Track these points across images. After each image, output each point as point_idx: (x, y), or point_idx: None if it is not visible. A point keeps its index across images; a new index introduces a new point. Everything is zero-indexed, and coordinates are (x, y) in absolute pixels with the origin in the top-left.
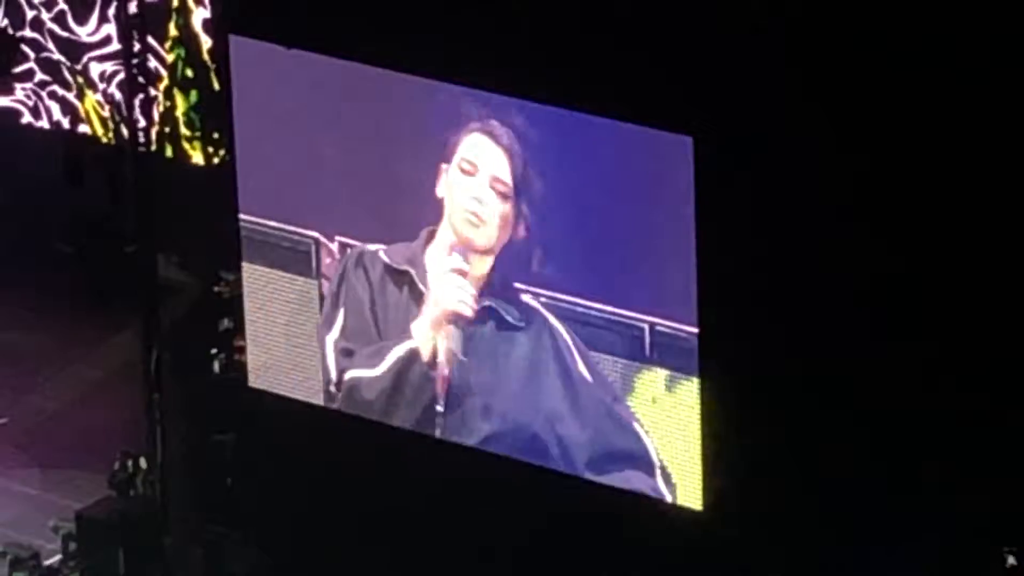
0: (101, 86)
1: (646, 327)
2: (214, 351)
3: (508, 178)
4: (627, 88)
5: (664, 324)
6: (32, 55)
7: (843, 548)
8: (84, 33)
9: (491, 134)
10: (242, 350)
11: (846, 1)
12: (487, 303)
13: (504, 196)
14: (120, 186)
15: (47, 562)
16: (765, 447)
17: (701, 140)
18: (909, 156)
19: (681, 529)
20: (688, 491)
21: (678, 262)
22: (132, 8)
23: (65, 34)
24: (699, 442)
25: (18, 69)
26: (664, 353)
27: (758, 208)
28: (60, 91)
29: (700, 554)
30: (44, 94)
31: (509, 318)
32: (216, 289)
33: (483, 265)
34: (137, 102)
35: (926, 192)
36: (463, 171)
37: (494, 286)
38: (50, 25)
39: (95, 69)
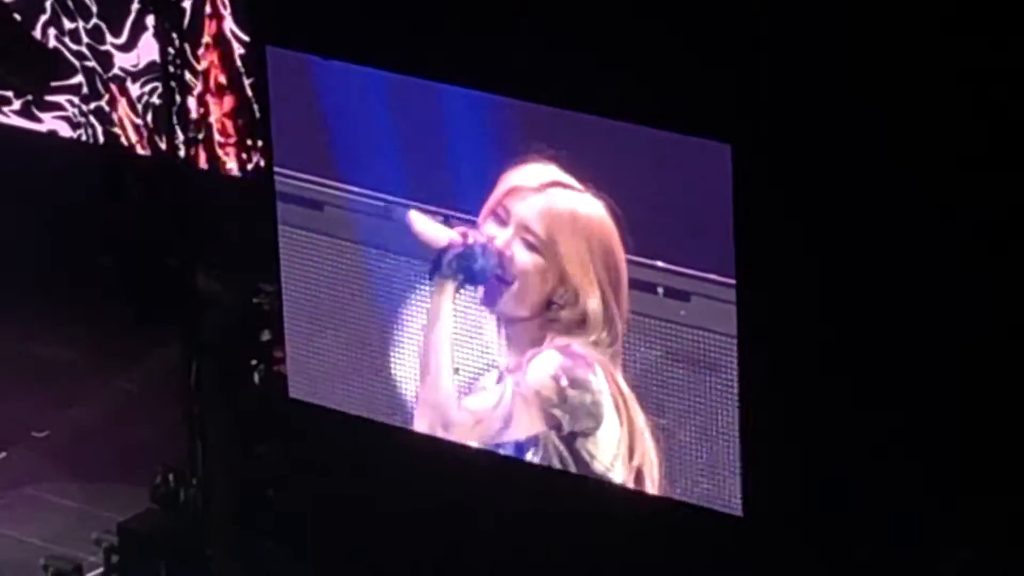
0: (136, 94)
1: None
2: (254, 363)
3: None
4: (664, 96)
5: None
6: (79, 65)
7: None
8: (117, 41)
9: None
10: (281, 361)
11: (884, 9)
12: None
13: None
14: (159, 198)
15: (89, 575)
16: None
17: (740, 148)
18: (954, 161)
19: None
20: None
21: (718, 272)
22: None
23: (100, 45)
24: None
25: (65, 82)
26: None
27: (798, 216)
28: (96, 103)
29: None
30: (81, 106)
31: None
32: (255, 300)
33: None
34: (174, 111)
35: (976, 195)
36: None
37: None
38: (83, 35)
39: (129, 78)
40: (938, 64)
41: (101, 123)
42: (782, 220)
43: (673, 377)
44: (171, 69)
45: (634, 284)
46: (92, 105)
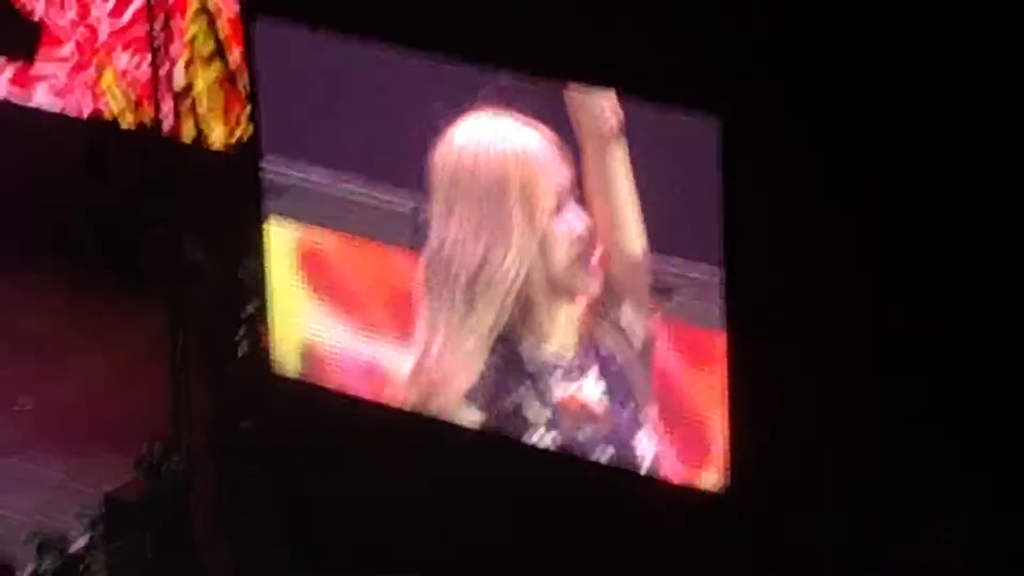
0: (122, 61)
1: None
2: (239, 335)
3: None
4: (653, 70)
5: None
6: (66, 37)
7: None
8: (104, 10)
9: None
10: (266, 335)
11: None
12: None
13: None
14: (143, 170)
15: (74, 547)
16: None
17: (728, 122)
18: (943, 139)
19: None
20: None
21: (705, 244)
22: None
23: (87, 16)
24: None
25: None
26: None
27: (785, 191)
28: (82, 73)
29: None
30: (66, 77)
31: None
32: (240, 274)
33: None
34: (161, 79)
35: (965, 175)
36: None
37: None
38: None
39: (114, 46)
40: (938, 42)
41: (85, 95)
42: (771, 200)
43: None
44: (155, 38)
45: None
46: (78, 76)
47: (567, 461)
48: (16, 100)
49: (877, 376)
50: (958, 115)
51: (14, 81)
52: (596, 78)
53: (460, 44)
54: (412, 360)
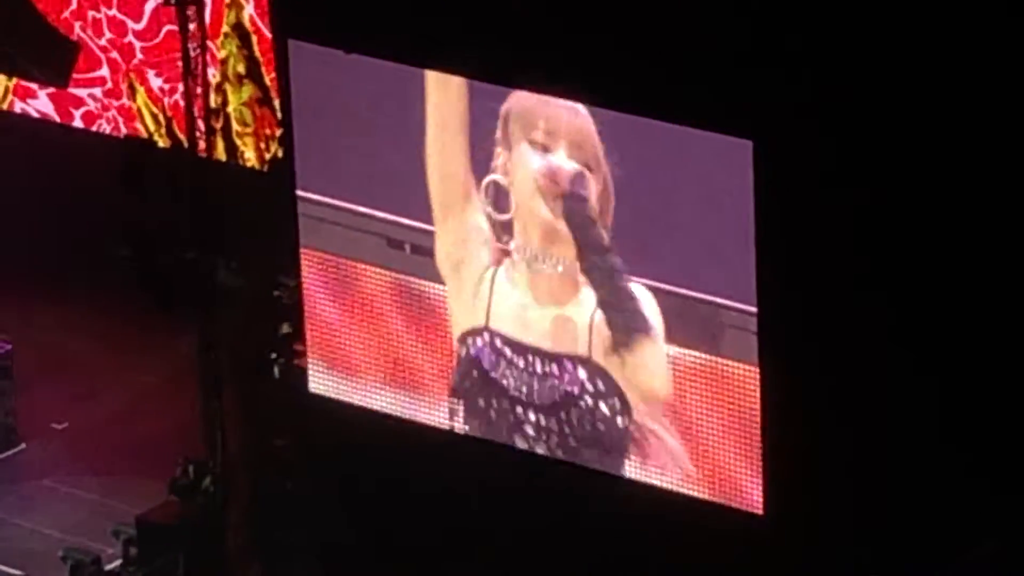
0: (155, 84)
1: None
2: (273, 356)
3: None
4: (688, 92)
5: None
6: (103, 58)
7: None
8: (136, 28)
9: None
10: (301, 355)
11: (904, 6)
12: None
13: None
14: (178, 190)
15: (108, 567)
16: (827, 441)
17: (760, 143)
18: (973, 155)
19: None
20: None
21: (739, 264)
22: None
23: (123, 37)
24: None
25: (88, 75)
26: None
27: (818, 210)
28: (117, 94)
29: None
30: (101, 96)
31: None
32: (275, 294)
33: None
34: (195, 101)
35: (995, 190)
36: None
37: None
38: (106, 26)
39: (147, 66)
40: (969, 60)
41: (121, 115)
42: (804, 219)
43: None
44: (191, 59)
45: None
46: (113, 97)
47: (610, 479)
48: (53, 118)
49: (911, 400)
50: (995, 142)
51: (52, 98)
52: (628, 103)
53: (489, 66)
54: None
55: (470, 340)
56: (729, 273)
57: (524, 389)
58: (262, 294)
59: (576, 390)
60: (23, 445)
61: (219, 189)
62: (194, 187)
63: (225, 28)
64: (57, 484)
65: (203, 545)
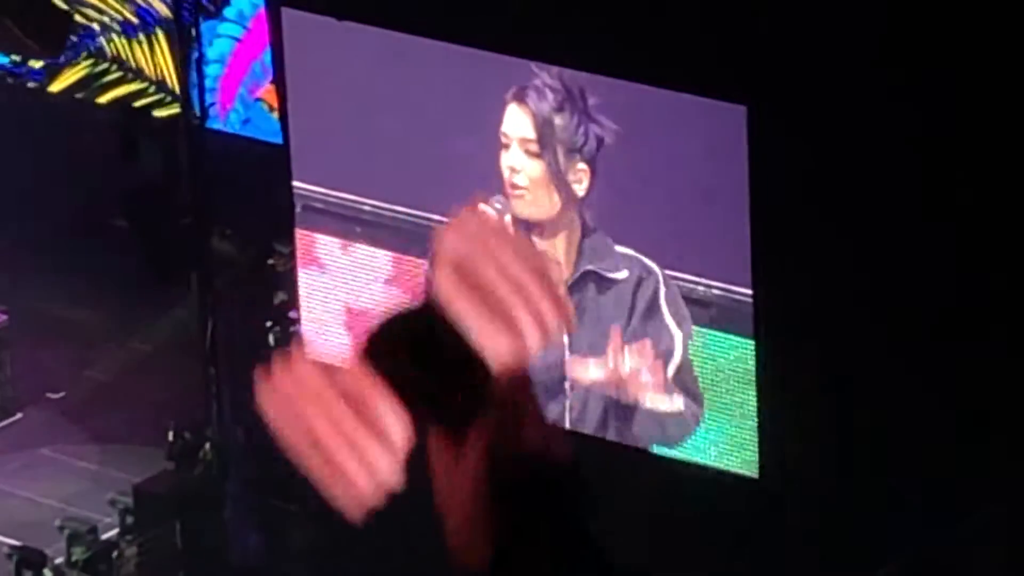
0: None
1: (700, 289)
2: (269, 324)
3: (532, 134)
4: (681, 58)
5: (718, 286)
6: (98, 28)
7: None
8: None
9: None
10: (296, 323)
11: None
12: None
13: (535, 155)
14: (175, 159)
15: (105, 536)
16: (823, 413)
17: (755, 109)
18: (971, 125)
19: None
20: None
21: (734, 230)
22: None
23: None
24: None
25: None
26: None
27: (813, 176)
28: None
29: (758, 525)
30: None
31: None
32: (270, 262)
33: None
34: (190, 70)
35: (991, 160)
36: (503, 145)
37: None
38: None
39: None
40: (971, 27)
41: (117, 82)
42: (799, 189)
43: None
44: (186, 25)
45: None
46: (108, 65)
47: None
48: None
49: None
50: (994, 112)
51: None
52: (622, 69)
53: (488, 35)
54: None
55: None
56: (723, 241)
57: None
58: (257, 262)
59: None
60: (19, 415)
61: (214, 155)
62: (190, 152)
63: None
64: (55, 454)
65: (200, 514)
